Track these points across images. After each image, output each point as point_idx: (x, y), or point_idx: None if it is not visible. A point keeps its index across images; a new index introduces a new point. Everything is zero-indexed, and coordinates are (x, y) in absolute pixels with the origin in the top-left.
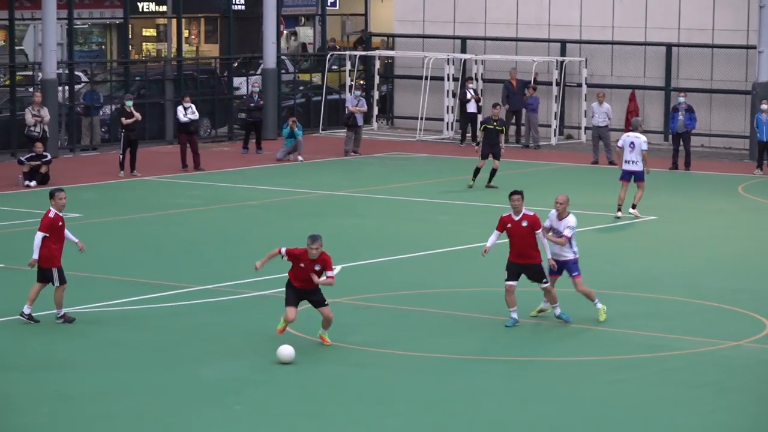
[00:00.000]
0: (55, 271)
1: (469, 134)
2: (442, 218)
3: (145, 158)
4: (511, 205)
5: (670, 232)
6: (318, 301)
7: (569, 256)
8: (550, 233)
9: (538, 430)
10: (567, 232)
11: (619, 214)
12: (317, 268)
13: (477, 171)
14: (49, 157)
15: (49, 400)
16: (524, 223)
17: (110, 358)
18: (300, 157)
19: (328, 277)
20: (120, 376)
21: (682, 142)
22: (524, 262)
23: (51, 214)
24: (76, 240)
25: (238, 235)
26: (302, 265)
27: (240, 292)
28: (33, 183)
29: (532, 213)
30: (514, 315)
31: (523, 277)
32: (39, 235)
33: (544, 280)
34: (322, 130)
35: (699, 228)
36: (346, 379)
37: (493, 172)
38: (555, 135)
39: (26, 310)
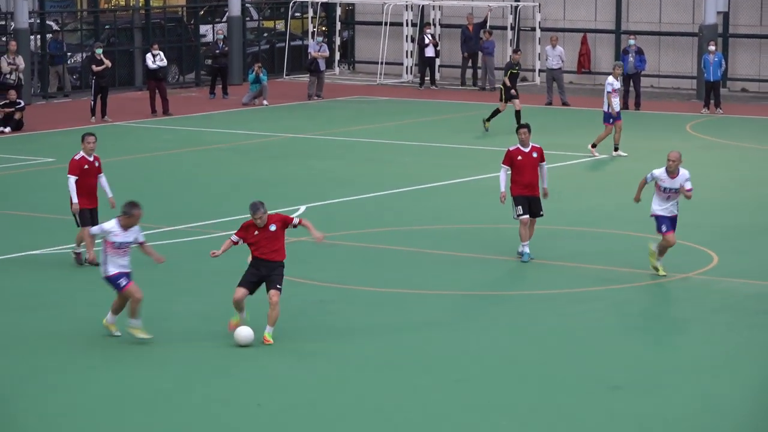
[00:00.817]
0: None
1: (428, 77)
2: (405, 159)
3: (115, 104)
4: (519, 138)
5: (620, 169)
6: (273, 280)
7: (675, 211)
8: (670, 197)
9: (496, 361)
10: (688, 185)
11: (594, 153)
12: (272, 228)
13: (518, 114)
14: (23, 103)
15: (27, 339)
16: (534, 154)
17: (83, 297)
18: (265, 102)
19: (296, 225)
20: (92, 315)
21: (632, 83)
22: (531, 194)
23: (77, 157)
24: (110, 195)
25: (207, 177)
26: (256, 233)
27: (209, 232)
28: (7, 129)
29: (538, 145)
30: (528, 249)
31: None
32: (71, 179)
33: (541, 212)
34: (286, 75)
35: (649, 165)
36: (308, 313)
37: (497, 111)
38: None
39: (87, 256)
